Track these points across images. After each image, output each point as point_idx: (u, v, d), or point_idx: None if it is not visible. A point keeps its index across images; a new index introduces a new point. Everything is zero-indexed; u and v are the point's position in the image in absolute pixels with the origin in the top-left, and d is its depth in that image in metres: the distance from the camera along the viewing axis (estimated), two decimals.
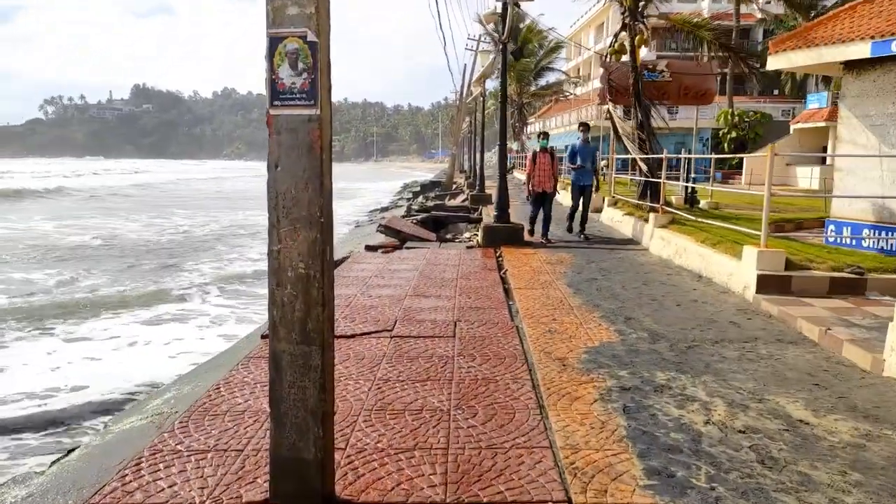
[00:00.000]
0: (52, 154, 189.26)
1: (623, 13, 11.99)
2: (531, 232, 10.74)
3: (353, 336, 5.29)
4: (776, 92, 49.11)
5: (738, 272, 6.50)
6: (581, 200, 11.01)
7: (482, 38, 32.86)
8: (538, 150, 10.50)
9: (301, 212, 2.59)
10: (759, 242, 6.31)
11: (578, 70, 56.94)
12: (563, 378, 4.24)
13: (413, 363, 4.60)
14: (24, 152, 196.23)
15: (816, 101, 26.29)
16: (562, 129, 39.10)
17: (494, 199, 11.19)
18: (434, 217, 16.39)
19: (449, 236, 15.03)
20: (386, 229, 11.44)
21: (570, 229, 11.27)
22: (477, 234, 14.94)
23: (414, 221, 15.62)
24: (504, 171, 10.85)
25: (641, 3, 11.88)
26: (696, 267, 7.74)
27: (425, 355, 4.78)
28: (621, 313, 5.94)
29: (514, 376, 4.31)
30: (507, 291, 7.12)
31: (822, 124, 24.65)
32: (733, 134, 28.36)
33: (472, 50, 30.39)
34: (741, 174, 25.47)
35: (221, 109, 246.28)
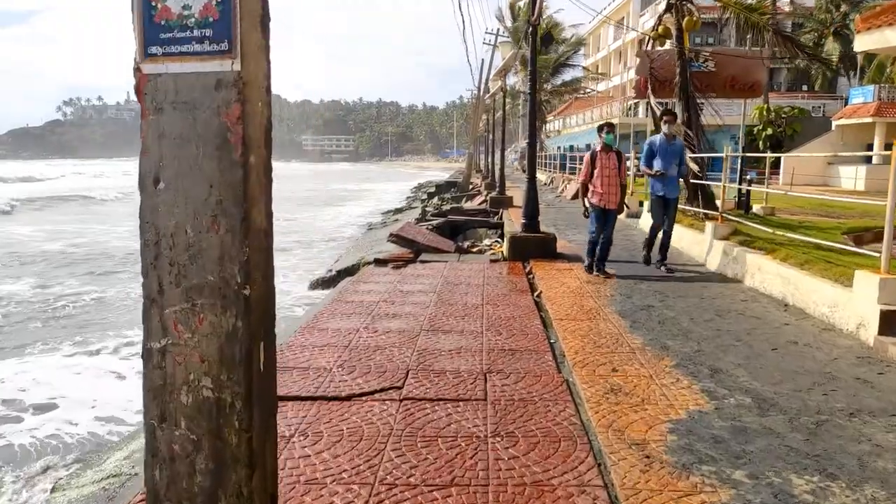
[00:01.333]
0: (71, 155, 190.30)
1: None
2: (593, 267, 7.66)
3: (349, 398, 3.95)
4: (805, 87, 47.11)
5: (849, 304, 5.08)
6: (665, 219, 7.81)
7: (500, 33, 31.52)
8: (598, 149, 7.51)
9: (206, 274, 1.27)
10: (879, 266, 4.87)
11: (597, 67, 55.48)
12: (650, 484, 2.87)
13: (430, 449, 3.25)
14: (44, 153, 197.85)
15: (861, 95, 24.54)
16: (583, 126, 37.58)
17: (522, 203, 9.76)
18: (451, 222, 15.06)
19: (467, 244, 13.71)
20: (397, 239, 10.11)
21: (646, 260, 8.08)
22: (499, 243, 13.58)
23: (429, 228, 14.31)
24: (533, 172, 9.44)
25: None
26: (777, 292, 6.31)
27: (447, 433, 3.44)
28: (701, 360, 4.55)
29: (579, 478, 2.95)
30: (544, 322, 5.76)
31: (869, 120, 22.92)
32: (769, 131, 26.67)
33: (490, 44, 29.02)
34: (778, 174, 23.82)
35: None
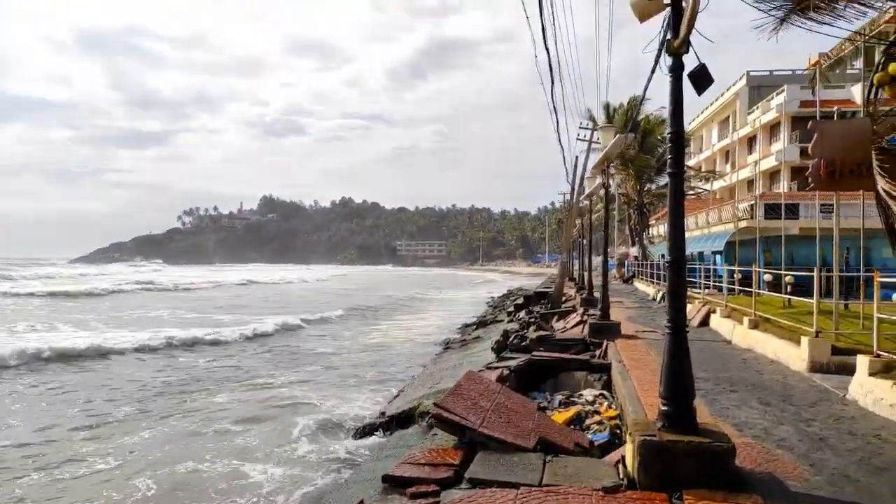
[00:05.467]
0: (184, 262, 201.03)
1: None
2: None
3: None
4: None
5: None
6: None
7: (594, 129, 28.19)
8: None
9: None
10: None
11: (701, 167, 50.73)
12: None
13: None
14: (161, 258, 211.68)
15: None
16: (695, 231, 32.62)
17: (663, 370, 5.38)
18: (536, 363, 10.81)
19: (559, 398, 9.38)
20: (437, 420, 5.93)
21: None
22: (605, 398, 9.16)
23: (504, 372, 10.14)
24: (681, 314, 5.12)
25: None
26: None
27: None
28: None
29: None
30: None
31: None
32: None
33: (584, 140, 25.60)
34: None
35: (338, 217, 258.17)
